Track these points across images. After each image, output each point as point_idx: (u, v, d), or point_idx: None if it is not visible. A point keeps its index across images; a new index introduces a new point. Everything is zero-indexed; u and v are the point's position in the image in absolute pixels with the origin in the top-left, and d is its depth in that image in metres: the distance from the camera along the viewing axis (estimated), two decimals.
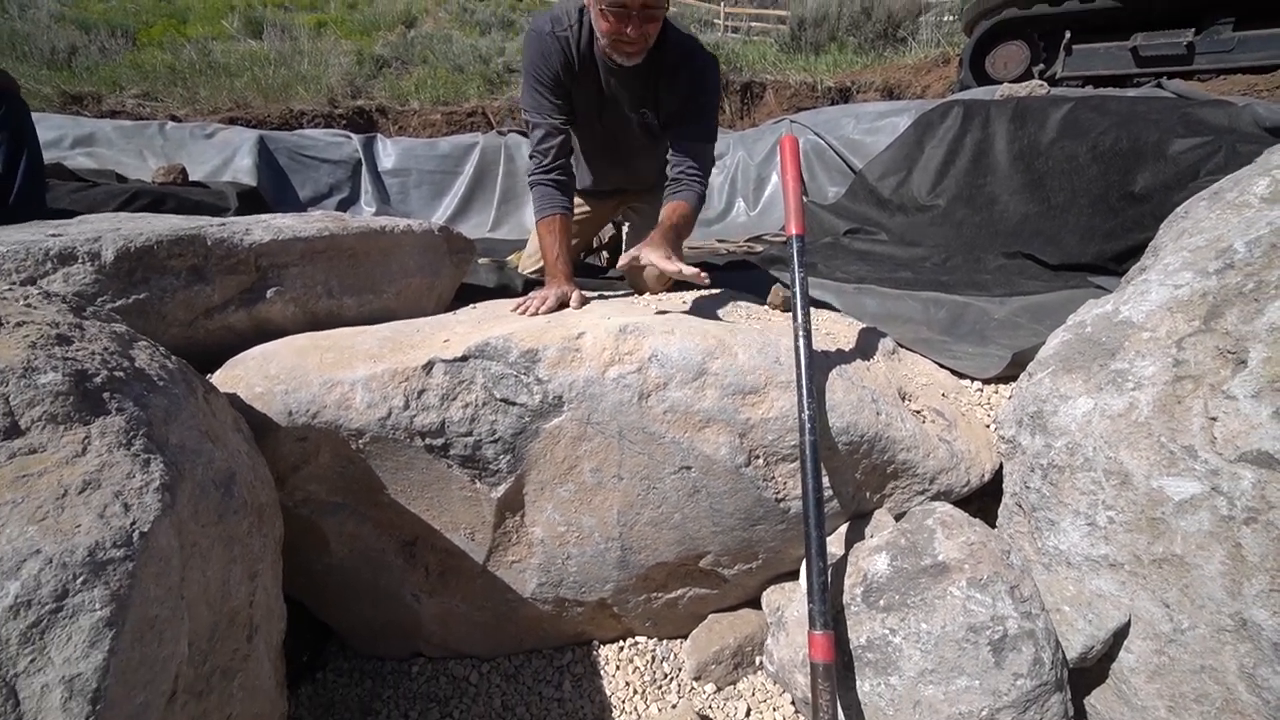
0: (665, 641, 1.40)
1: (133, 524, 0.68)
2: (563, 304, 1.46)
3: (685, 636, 1.39)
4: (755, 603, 1.37)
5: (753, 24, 15.01)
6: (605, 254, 2.50)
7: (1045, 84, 3.64)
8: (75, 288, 1.07)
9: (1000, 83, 4.68)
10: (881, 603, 0.99)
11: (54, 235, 1.09)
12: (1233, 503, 1.00)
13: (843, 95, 8.11)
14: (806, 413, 1.04)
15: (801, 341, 1.09)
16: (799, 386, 1.07)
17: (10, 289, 0.83)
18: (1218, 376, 1.07)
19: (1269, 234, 1.11)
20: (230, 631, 0.85)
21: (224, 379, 1.13)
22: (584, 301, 1.49)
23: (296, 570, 1.19)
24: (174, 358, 0.94)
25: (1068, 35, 4.57)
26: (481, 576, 1.25)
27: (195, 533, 0.79)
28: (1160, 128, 2.60)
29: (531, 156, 1.69)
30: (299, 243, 1.30)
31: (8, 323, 0.78)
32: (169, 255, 1.16)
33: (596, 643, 1.39)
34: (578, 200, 2.10)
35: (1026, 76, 4.78)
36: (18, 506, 0.64)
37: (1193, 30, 4.19)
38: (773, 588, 1.32)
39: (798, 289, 1.14)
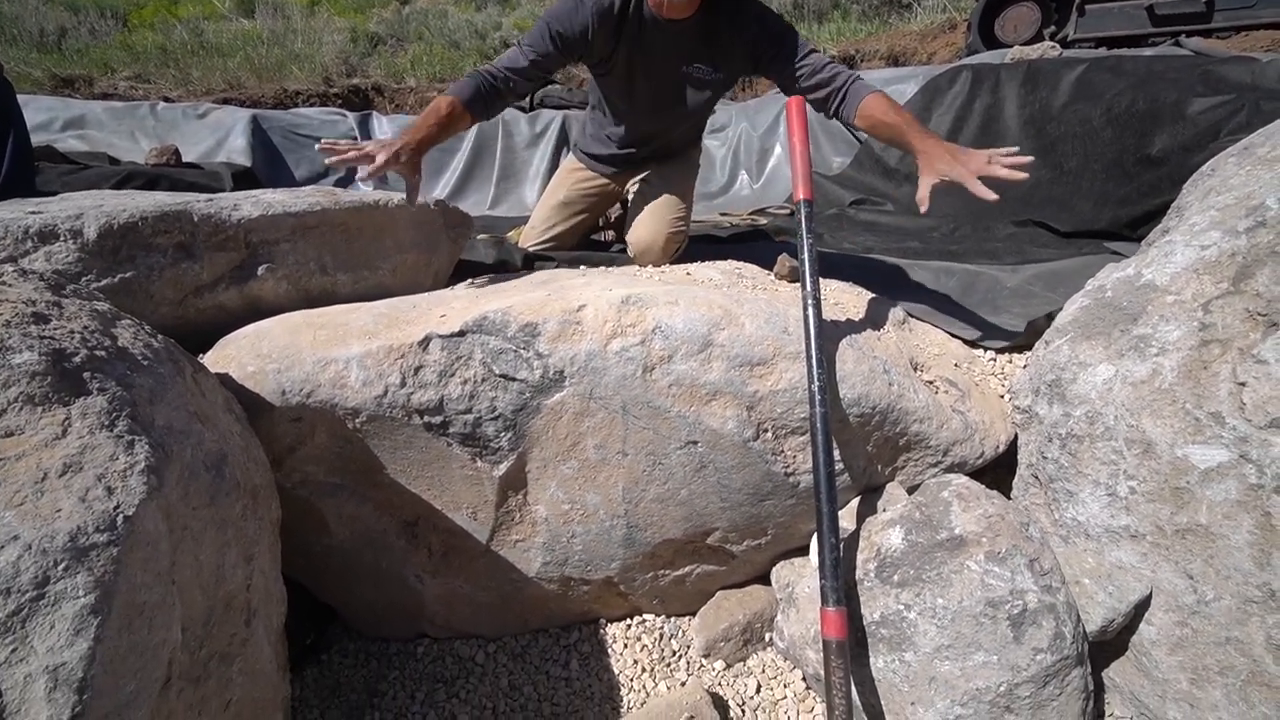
0: (674, 619, 1.38)
1: (116, 507, 0.65)
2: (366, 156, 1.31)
3: (694, 614, 1.37)
4: (764, 579, 1.35)
5: None
6: (611, 232, 2.43)
7: (1057, 46, 3.53)
8: (57, 266, 1.04)
9: (1009, 46, 4.55)
10: (896, 578, 0.97)
11: (34, 213, 1.06)
12: (1262, 470, 0.97)
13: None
14: (816, 384, 1.01)
15: (810, 311, 1.05)
16: (808, 357, 1.03)
17: None
18: (1247, 340, 1.03)
19: None
20: (227, 616, 0.83)
21: (216, 359, 1.10)
22: (390, 159, 1.32)
23: (296, 552, 1.17)
24: (160, 336, 0.91)
25: None
26: (485, 556, 1.23)
27: (185, 516, 0.76)
28: (1179, 87, 2.51)
29: (493, 65, 1.58)
30: (289, 218, 1.26)
31: None
32: (154, 232, 1.12)
33: (604, 621, 1.37)
34: (594, 174, 2.07)
35: (1038, 39, 4.64)
36: None
37: None
38: (782, 563, 1.30)
39: (806, 255, 1.10)
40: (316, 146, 1.35)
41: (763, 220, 3.66)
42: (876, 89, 1.49)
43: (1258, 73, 2.42)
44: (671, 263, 1.74)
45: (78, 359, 0.74)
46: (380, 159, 1.30)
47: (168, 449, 0.76)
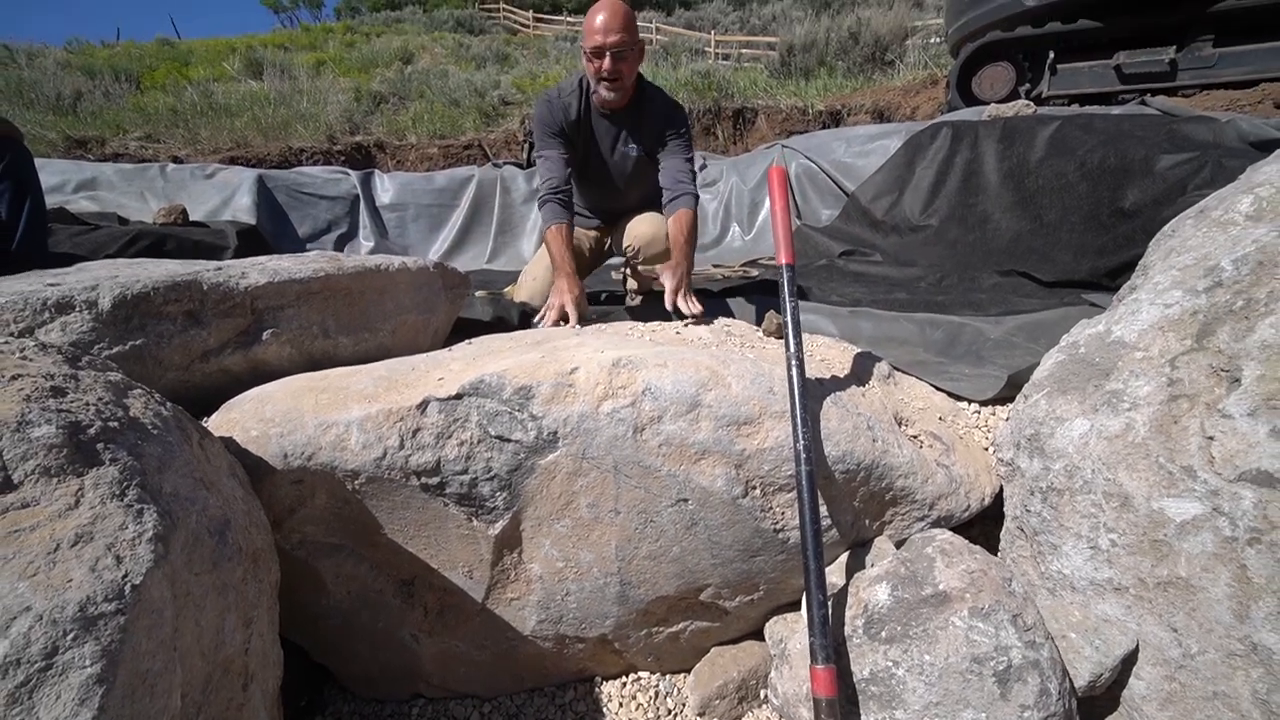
0: (668, 676, 1.38)
1: (124, 576, 0.68)
2: (563, 315, 1.77)
3: (688, 671, 1.37)
4: (758, 634, 1.36)
5: (743, 50, 15.32)
6: (627, 270, 2.55)
7: (1031, 104, 3.70)
8: (73, 336, 1.08)
9: (987, 103, 4.75)
10: (883, 634, 0.98)
11: (52, 285, 1.11)
12: (1235, 523, 1.00)
13: (834, 118, 8.22)
14: (801, 442, 1.04)
15: (794, 370, 1.09)
16: (793, 416, 1.07)
17: (6, 342, 0.84)
18: (1213, 395, 1.07)
19: (1254, 251, 1.12)
20: (225, 681, 0.84)
21: (220, 423, 1.13)
22: (581, 303, 1.81)
23: (294, 613, 1.18)
24: (169, 404, 0.95)
25: (1051, 55, 4.65)
26: (480, 615, 1.24)
27: (189, 582, 0.78)
28: (1146, 144, 2.63)
29: (543, 181, 2.04)
30: (295, 284, 1.32)
31: (3, 376, 0.78)
32: (165, 301, 1.17)
33: (599, 679, 1.37)
34: (587, 222, 2.50)
35: (1013, 96, 4.85)
36: (9, 562, 0.64)
37: (1173, 48, 4.27)
38: (775, 619, 1.31)
39: (789, 318, 1.15)
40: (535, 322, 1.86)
41: (754, 272, 3.76)
42: (689, 208, 2.01)
43: (1218, 132, 2.54)
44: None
45: (92, 430, 0.78)
46: (574, 315, 1.76)
47: (174, 516, 0.79)
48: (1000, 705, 0.89)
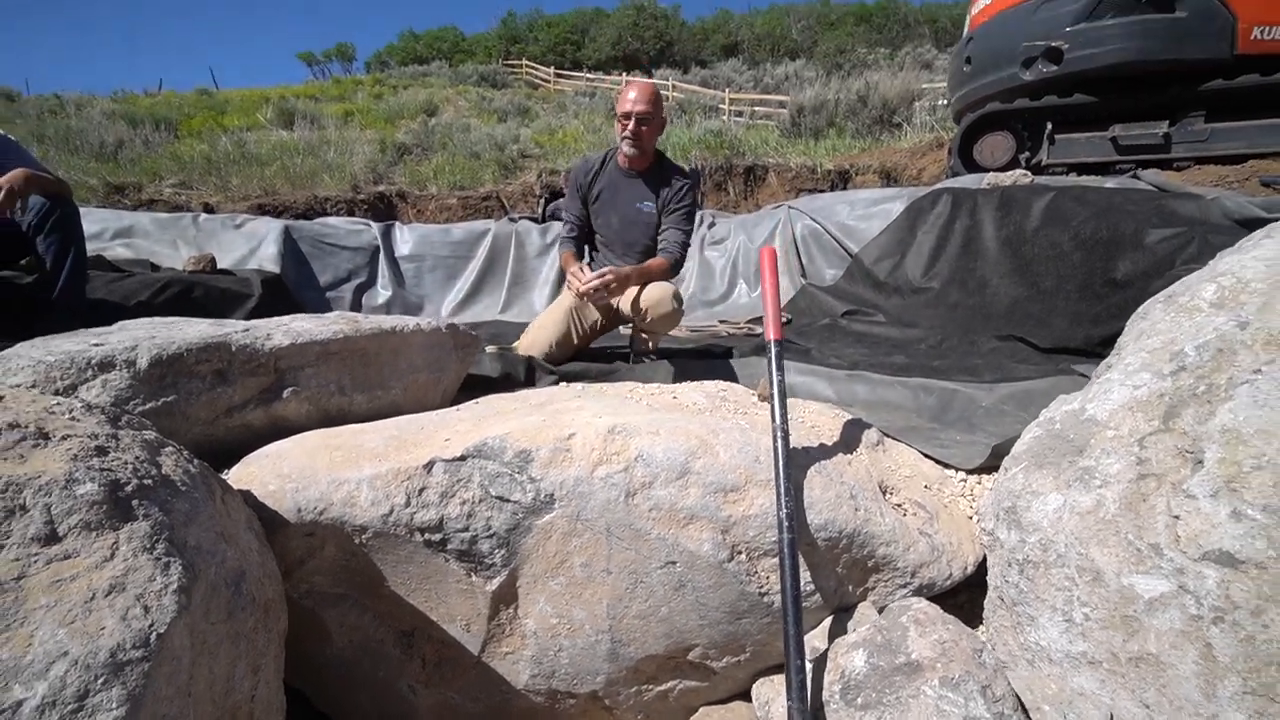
0: None
1: (151, 625, 0.75)
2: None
3: None
4: (746, 695, 1.38)
5: (755, 108, 15.85)
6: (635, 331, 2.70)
7: (1029, 173, 3.83)
8: (112, 393, 1.18)
9: (989, 170, 4.90)
10: (859, 700, 1.02)
11: (96, 345, 1.21)
12: (1200, 602, 1.03)
13: (842, 178, 8.47)
14: (784, 510, 1.10)
15: (779, 441, 1.16)
16: (776, 485, 1.13)
17: (59, 403, 0.93)
18: (1178, 475, 1.12)
19: (1215, 339, 1.18)
20: None
21: (239, 476, 1.21)
22: (587, 271, 2.33)
23: (299, 660, 1.23)
24: (196, 461, 1.03)
25: (1049, 126, 4.83)
26: (476, 668, 1.28)
27: (205, 631, 0.85)
28: (1136, 218, 2.73)
29: (563, 226, 2.77)
30: (315, 345, 1.41)
31: (54, 435, 0.87)
32: (197, 361, 1.27)
33: None
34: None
35: (1013, 164, 5.01)
36: (51, 610, 0.71)
37: (1166, 122, 4.43)
38: (762, 680, 1.33)
39: (775, 391, 1.22)
40: (580, 289, 2.30)
41: (758, 329, 3.85)
42: (668, 258, 2.52)
43: (1204, 209, 2.63)
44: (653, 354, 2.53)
45: (129, 488, 0.86)
46: (585, 273, 2.31)
47: (196, 569, 0.86)
48: None
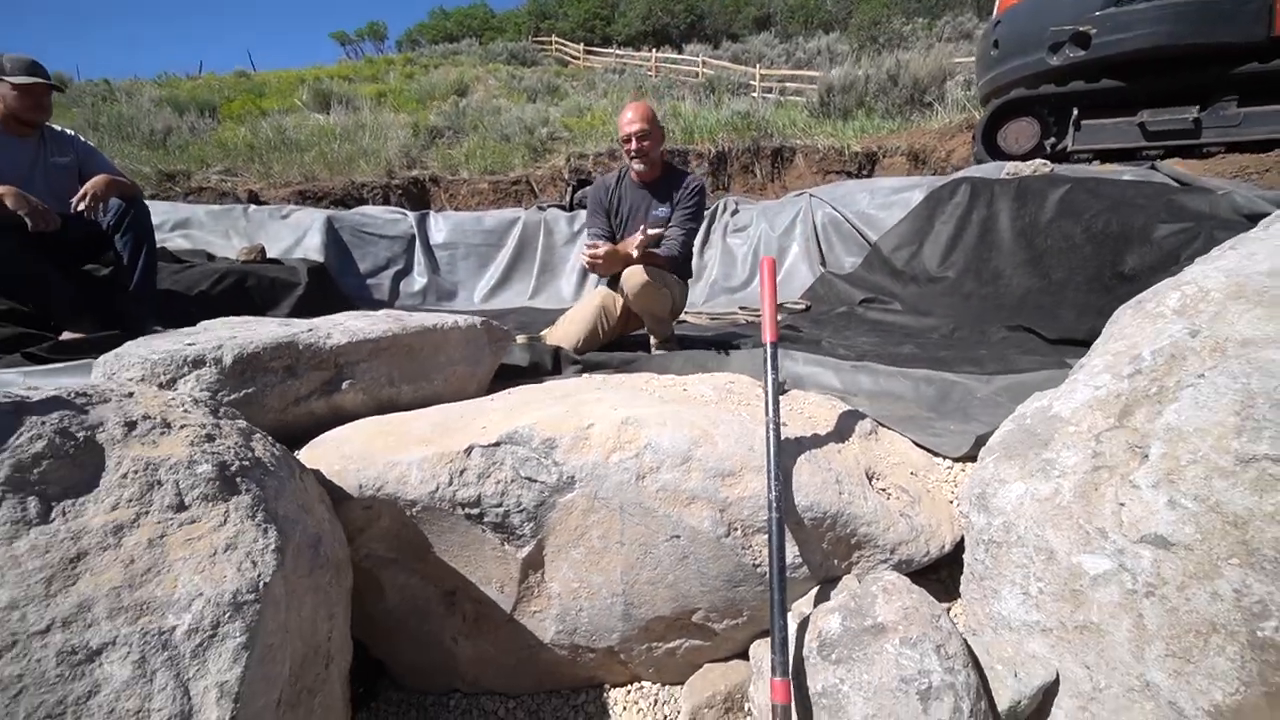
0: (666, 686, 1.60)
1: (259, 576, 0.96)
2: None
3: (683, 683, 1.59)
4: (744, 655, 1.57)
5: (786, 84, 15.66)
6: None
7: (1049, 164, 3.85)
8: (204, 385, 1.40)
9: (1012, 156, 4.90)
10: (833, 656, 1.20)
11: (189, 344, 1.42)
12: (1135, 578, 1.18)
13: (870, 159, 8.42)
14: (773, 493, 1.27)
15: (771, 433, 1.33)
16: (768, 471, 1.30)
17: (174, 398, 1.15)
18: (1127, 468, 1.26)
19: (1169, 345, 1.31)
20: (315, 659, 1.11)
21: (309, 456, 1.42)
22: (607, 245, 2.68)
23: (358, 614, 1.45)
24: (279, 446, 1.24)
25: (1076, 112, 4.79)
26: (509, 624, 1.49)
27: (295, 583, 1.06)
28: (1146, 213, 2.78)
29: (589, 236, 2.96)
30: (368, 343, 1.62)
31: (175, 425, 1.08)
32: (271, 358, 1.48)
33: (607, 686, 1.60)
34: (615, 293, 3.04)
35: (1038, 150, 4.99)
36: (186, 562, 0.93)
37: (1197, 107, 4.37)
38: (758, 641, 1.52)
39: (770, 390, 1.39)
40: (585, 261, 2.66)
41: (779, 316, 3.97)
42: (669, 249, 2.76)
43: (1214, 203, 2.67)
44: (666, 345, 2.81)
45: (233, 468, 1.07)
46: (605, 245, 2.67)
47: (286, 533, 1.07)
48: (922, 718, 1.09)
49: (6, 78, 2.40)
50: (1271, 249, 1.41)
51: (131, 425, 1.04)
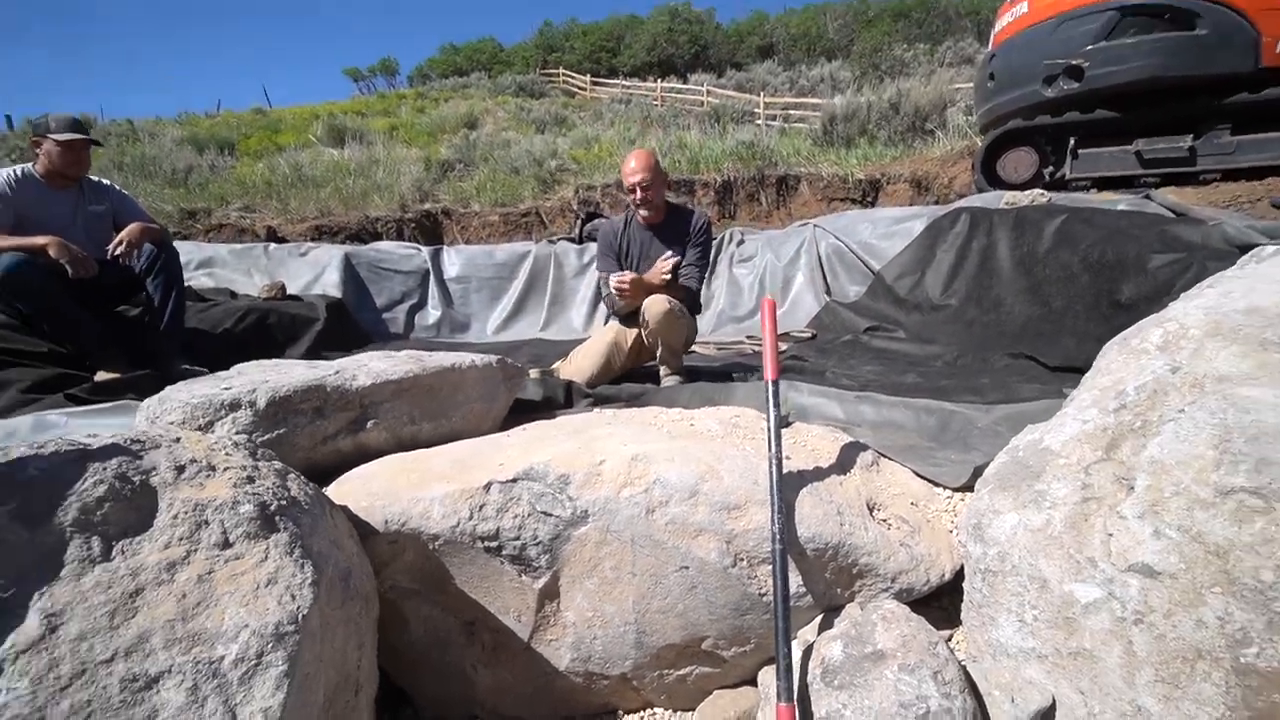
0: (678, 712, 1.65)
1: (298, 609, 1.04)
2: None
3: (694, 709, 1.64)
4: (753, 681, 1.62)
5: (790, 112, 15.94)
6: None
7: (1046, 193, 3.94)
8: (239, 427, 1.49)
9: (1012, 185, 5.00)
10: (836, 682, 1.25)
11: (225, 389, 1.52)
12: (1124, 606, 1.23)
13: (873, 187, 8.56)
14: (776, 526, 1.34)
15: (774, 468, 1.40)
16: (771, 504, 1.37)
17: (218, 441, 1.24)
18: (1115, 499, 1.32)
19: (1151, 381, 1.38)
20: (346, 687, 1.18)
21: (337, 493, 1.51)
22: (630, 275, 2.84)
23: (382, 644, 1.52)
24: (311, 485, 1.33)
25: (1072, 141, 4.89)
26: (526, 652, 1.56)
27: (329, 615, 1.14)
28: (1140, 243, 2.86)
29: (601, 278, 3.15)
30: (391, 384, 1.71)
31: (219, 468, 1.17)
32: (301, 400, 1.57)
33: (621, 712, 1.65)
34: (631, 323, 3.13)
35: (1037, 178, 5.08)
36: (233, 595, 1.01)
37: (1191, 135, 4.46)
38: (766, 668, 1.57)
39: (772, 425, 1.46)
40: (613, 288, 2.89)
41: (784, 345, 4.06)
42: (687, 284, 2.98)
43: (1206, 234, 2.74)
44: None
45: (272, 507, 1.16)
46: (630, 274, 2.83)
47: (320, 568, 1.15)
48: None
49: (51, 135, 2.56)
50: (1247, 287, 1.48)
51: (180, 469, 1.13)
